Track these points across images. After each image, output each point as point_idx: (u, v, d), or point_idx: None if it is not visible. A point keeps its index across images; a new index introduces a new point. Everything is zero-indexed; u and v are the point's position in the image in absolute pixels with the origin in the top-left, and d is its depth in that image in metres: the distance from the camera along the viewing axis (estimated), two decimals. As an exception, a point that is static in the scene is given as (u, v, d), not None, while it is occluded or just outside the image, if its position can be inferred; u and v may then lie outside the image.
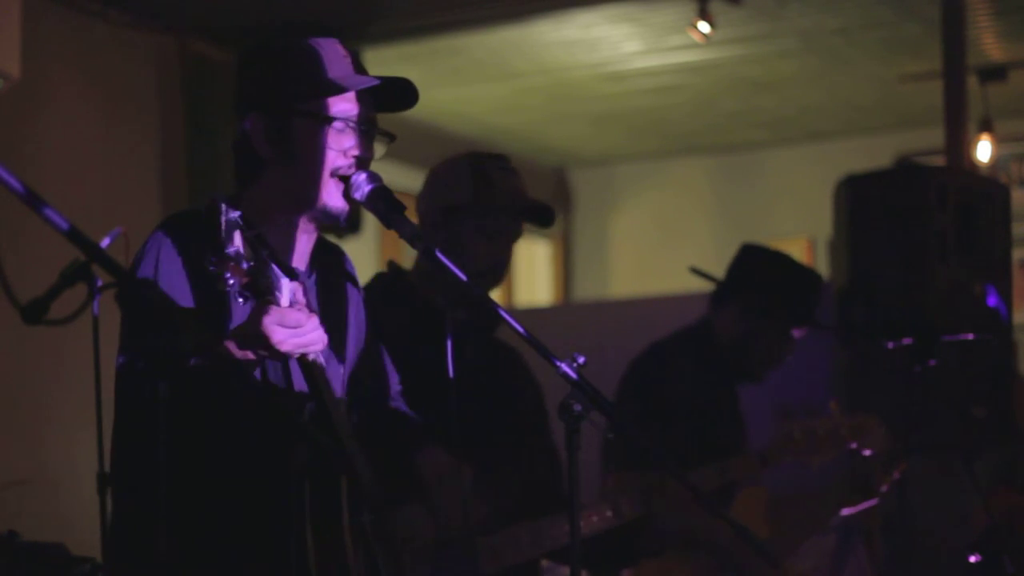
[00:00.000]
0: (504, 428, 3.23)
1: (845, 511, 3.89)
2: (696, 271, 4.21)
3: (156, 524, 1.95)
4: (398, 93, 2.45)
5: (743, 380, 4.06)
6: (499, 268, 3.26)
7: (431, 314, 3.06)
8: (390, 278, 3.28)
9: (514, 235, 3.28)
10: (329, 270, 2.52)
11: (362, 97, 2.40)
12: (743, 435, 4.05)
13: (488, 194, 3.22)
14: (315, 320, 2.17)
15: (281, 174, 2.39)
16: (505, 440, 3.21)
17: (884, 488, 3.66)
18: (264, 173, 2.40)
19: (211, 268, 2.06)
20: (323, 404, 2.23)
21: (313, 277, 2.47)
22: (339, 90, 2.37)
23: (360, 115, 2.39)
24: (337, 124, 2.36)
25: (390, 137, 2.45)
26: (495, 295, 3.32)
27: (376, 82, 2.40)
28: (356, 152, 2.38)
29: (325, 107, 2.38)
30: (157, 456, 1.90)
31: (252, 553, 2.26)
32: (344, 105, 2.38)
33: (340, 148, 2.36)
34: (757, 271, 4.04)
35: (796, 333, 4.00)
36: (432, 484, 2.75)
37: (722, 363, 3.99)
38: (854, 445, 3.46)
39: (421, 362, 2.88)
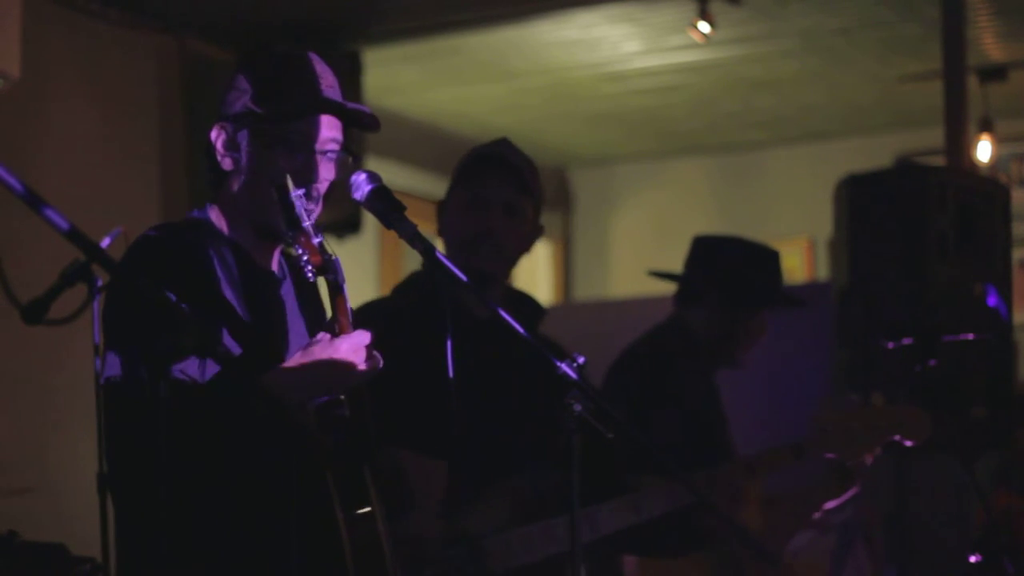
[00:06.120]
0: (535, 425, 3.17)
1: (828, 505, 3.89)
2: (656, 273, 4.22)
3: (158, 527, 1.94)
4: (364, 114, 2.43)
5: (721, 367, 4.06)
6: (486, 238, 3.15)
7: (461, 313, 3.05)
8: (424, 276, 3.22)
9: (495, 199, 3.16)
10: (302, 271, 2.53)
11: (325, 118, 2.39)
12: (728, 429, 4.06)
13: None
14: (361, 334, 2.21)
15: (236, 184, 2.40)
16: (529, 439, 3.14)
17: (861, 476, 3.60)
18: (225, 183, 2.42)
19: (289, 243, 2.22)
20: (357, 403, 2.26)
21: (288, 279, 2.48)
22: (294, 115, 2.36)
23: (315, 136, 2.37)
24: (288, 143, 2.36)
25: (354, 157, 2.44)
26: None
27: (333, 108, 2.37)
28: (308, 172, 2.35)
29: (279, 125, 2.36)
30: (158, 458, 1.90)
31: (254, 552, 2.26)
32: (301, 124, 2.37)
33: (291, 167, 2.33)
34: (717, 262, 4.05)
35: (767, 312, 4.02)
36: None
37: (700, 358, 3.99)
38: (897, 437, 3.34)
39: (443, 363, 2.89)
